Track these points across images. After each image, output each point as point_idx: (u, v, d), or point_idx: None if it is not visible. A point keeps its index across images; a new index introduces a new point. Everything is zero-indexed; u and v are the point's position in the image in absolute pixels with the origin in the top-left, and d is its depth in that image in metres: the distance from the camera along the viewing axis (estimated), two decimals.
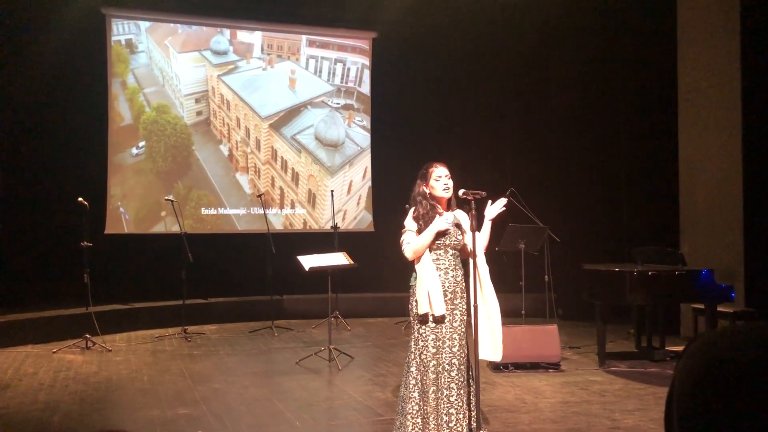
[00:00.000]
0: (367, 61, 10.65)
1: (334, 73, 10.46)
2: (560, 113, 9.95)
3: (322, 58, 10.40)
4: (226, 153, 9.94)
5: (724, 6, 7.83)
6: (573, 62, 9.71)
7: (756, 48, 7.57)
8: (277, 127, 10.13)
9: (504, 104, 10.47)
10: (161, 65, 9.67)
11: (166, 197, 8.89)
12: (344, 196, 10.36)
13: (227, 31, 9.99)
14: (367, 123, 10.67)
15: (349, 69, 10.56)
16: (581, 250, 8.69)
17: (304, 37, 10.32)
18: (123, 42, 9.51)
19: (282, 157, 10.11)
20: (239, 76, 10.04)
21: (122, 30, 9.49)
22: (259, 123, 10.06)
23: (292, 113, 10.23)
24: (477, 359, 3.72)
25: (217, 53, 9.92)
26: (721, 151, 7.86)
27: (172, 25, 9.74)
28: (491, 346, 3.86)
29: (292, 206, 10.21)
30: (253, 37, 10.14)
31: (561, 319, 8.24)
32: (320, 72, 10.40)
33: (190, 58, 9.81)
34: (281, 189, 10.09)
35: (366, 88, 10.67)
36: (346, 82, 10.56)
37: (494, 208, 3.89)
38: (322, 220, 10.27)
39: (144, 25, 9.61)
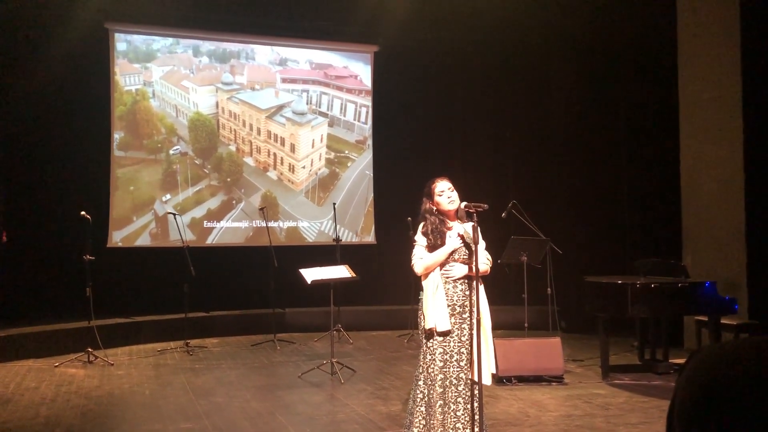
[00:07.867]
0: (368, 101, 10.73)
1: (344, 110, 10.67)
2: (561, 125, 9.97)
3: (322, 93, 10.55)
4: (234, 149, 10.06)
5: (724, 17, 7.87)
6: (574, 74, 9.74)
7: (756, 59, 7.60)
8: (272, 115, 10.33)
9: (505, 116, 10.50)
10: (175, 102, 9.81)
11: (169, 211, 8.90)
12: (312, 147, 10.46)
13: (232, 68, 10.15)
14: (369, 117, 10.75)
15: (356, 105, 10.71)
16: (583, 262, 8.68)
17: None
18: (134, 91, 9.61)
19: (276, 134, 10.31)
20: (245, 94, 10.18)
21: (132, 81, 9.62)
22: (259, 115, 10.21)
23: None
24: (480, 373, 3.70)
25: (227, 84, 10.11)
26: (722, 162, 7.86)
27: (183, 70, 9.86)
28: (483, 367, 3.73)
29: (292, 219, 10.23)
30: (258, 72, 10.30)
31: (564, 331, 8.22)
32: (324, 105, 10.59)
33: (206, 90, 10.01)
34: (275, 154, 10.25)
35: (369, 119, 10.72)
36: (357, 119, 10.71)
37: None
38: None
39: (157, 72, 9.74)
